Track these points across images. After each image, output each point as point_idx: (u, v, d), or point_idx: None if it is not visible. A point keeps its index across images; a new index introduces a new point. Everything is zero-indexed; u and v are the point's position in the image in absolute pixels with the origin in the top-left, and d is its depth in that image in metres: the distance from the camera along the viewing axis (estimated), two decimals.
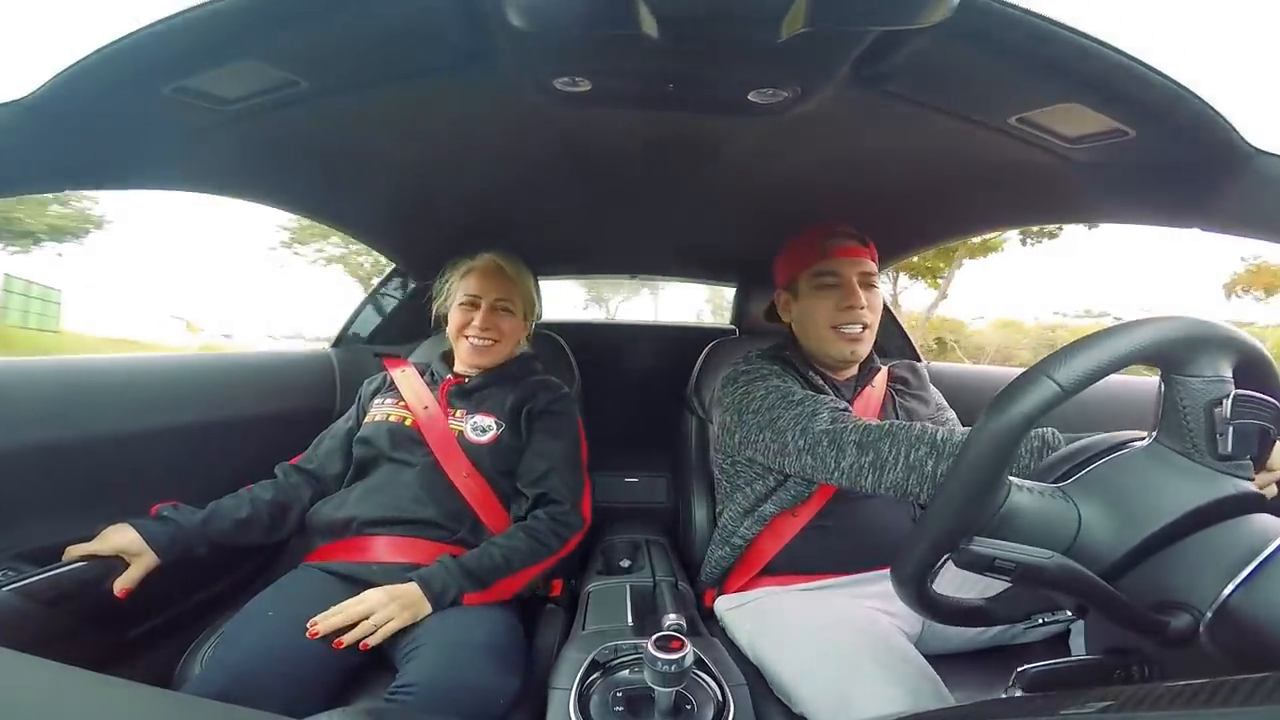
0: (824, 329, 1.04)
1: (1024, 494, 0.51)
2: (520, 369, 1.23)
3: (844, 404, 0.97)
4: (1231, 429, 0.50)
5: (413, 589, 0.86)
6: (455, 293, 1.20)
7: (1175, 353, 0.51)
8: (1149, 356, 0.50)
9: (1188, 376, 0.51)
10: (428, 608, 0.86)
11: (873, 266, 1.06)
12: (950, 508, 0.51)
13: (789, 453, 0.92)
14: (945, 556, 0.51)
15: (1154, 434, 0.54)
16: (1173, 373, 0.52)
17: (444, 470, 1.06)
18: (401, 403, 1.15)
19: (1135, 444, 0.55)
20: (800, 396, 0.96)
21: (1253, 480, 0.52)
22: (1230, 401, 0.50)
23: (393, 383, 1.20)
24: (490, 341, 1.17)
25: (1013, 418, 0.48)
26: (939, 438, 0.78)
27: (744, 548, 1.07)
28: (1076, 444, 0.58)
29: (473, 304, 1.17)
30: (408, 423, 1.12)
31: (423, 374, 1.22)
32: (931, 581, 0.55)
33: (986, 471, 0.49)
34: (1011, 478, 0.51)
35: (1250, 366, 0.54)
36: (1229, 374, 0.52)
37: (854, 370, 1.11)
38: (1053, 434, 0.76)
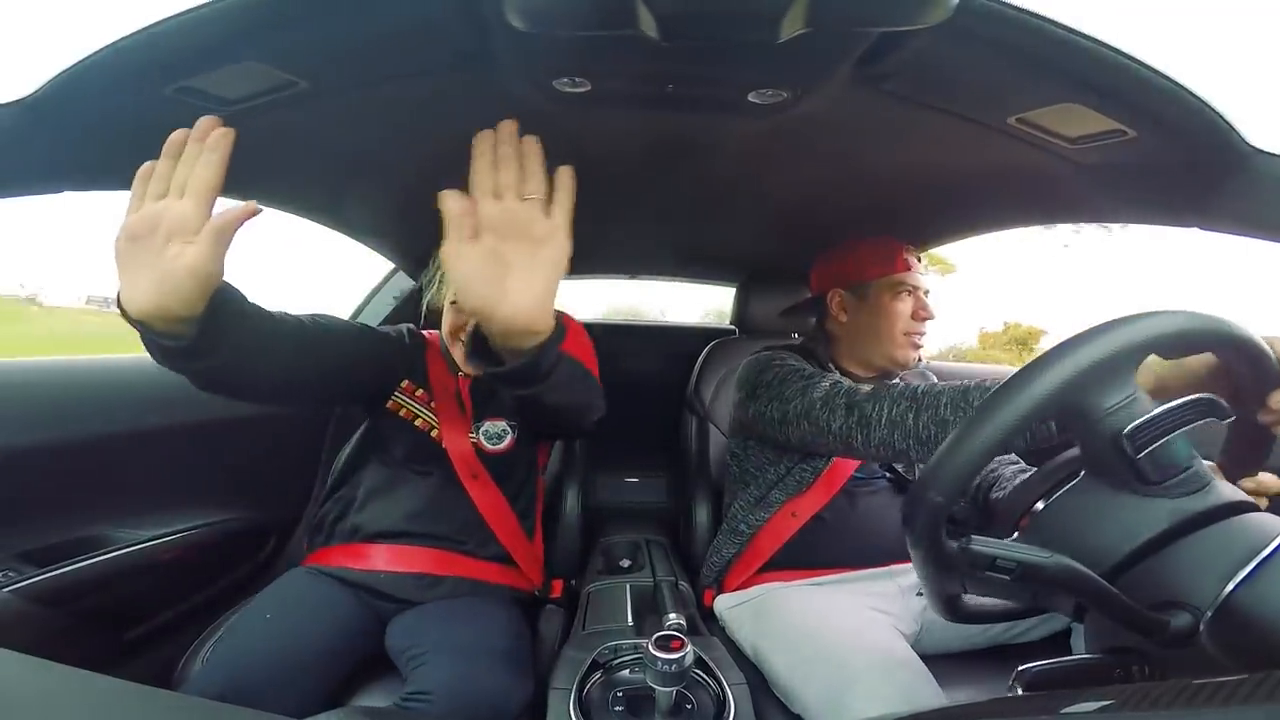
0: (898, 334, 1.07)
1: (980, 548, 0.50)
2: None
3: (846, 381, 0.97)
4: (1147, 457, 0.47)
5: None
6: (449, 284, 1.04)
7: (1061, 403, 0.47)
8: (1036, 421, 0.47)
9: (1083, 418, 0.48)
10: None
11: None
12: (920, 574, 0.53)
13: (790, 420, 0.93)
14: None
15: (1082, 471, 0.52)
16: (1067, 421, 0.49)
17: (460, 482, 1.02)
18: (432, 403, 1.05)
19: (1071, 478, 0.53)
20: (810, 372, 0.99)
21: (1208, 485, 0.49)
22: (1126, 438, 0.46)
23: (425, 366, 1.08)
24: None
25: (917, 541, 0.49)
26: (919, 391, 0.79)
27: (750, 536, 1.08)
28: (1018, 486, 0.57)
29: None
30: (433, 434, 1.03)
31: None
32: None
33: (930, 561, 0.51)
34: (975, 537, 0.49)
35: (1175, 347, 0.49)
36: (1132, 388, 0.48)
37: (874, 375, 1.13)
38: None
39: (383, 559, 0.95)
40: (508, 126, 0.56)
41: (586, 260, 1.87)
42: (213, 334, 0.61)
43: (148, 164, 0.58)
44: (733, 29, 0.56)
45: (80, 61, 0.59)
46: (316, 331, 0.86)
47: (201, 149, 0.56)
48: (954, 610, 0.56)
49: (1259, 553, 0.43)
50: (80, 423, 0.96)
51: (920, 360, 1.73)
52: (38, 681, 0.35)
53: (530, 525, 1.11)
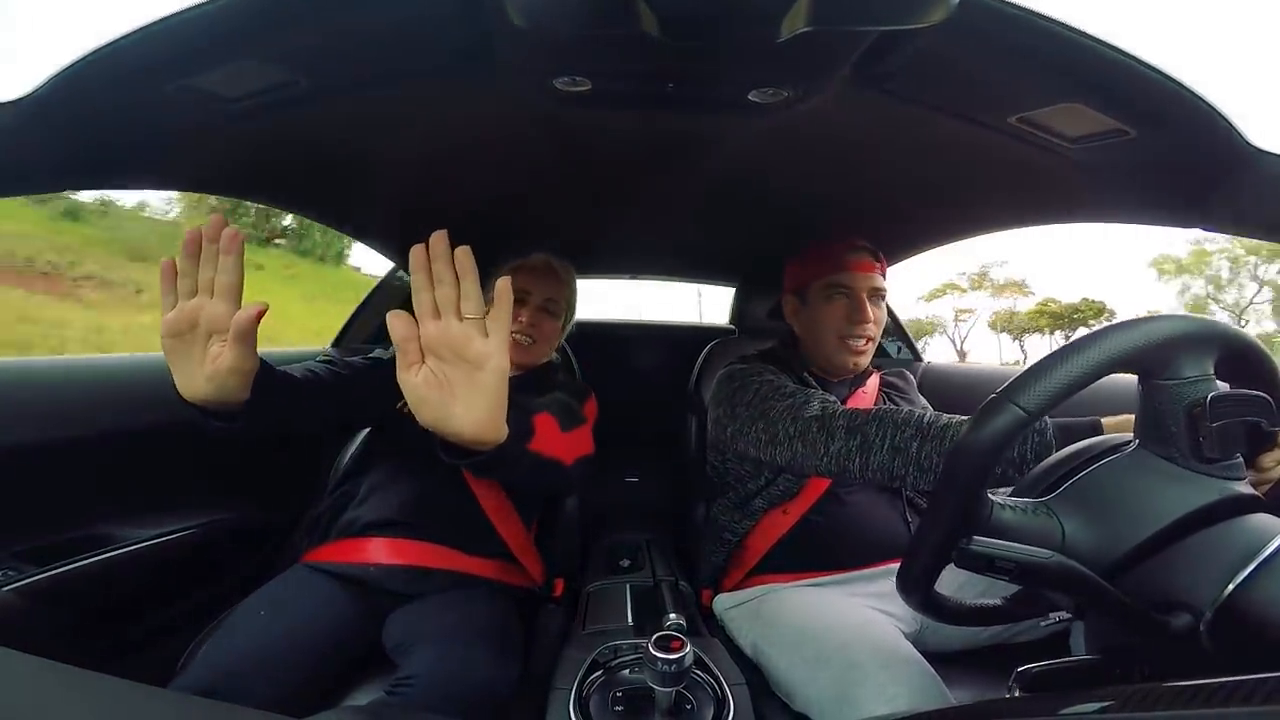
0: (831, 338, 1.06)
1: (1006, 513, 0.51)
2: (547, 377, 1.19)
3: (834, 397, 0.99)
4: (1213, 431, 0.48)
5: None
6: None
7: (1149, 358, 0.50)
8: (1122, 366, 0.49)
9: (1165, 380, 0.50)
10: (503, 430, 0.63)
11: (882, 282, 1.08)
12: (936, 530, 0.51)
13: (779, 441, 0.92)
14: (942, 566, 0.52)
15: (1136, 440, 0.53)
16: (1150, 378, 0.51)
17: (463, 476, 1.02)
18: None
19: (1119, 451, 0.54)
20: (792, 390, 0.98)
21: (1244, 479, 0.51)
22: (1209, 403, 0.49)
23: None
24: (531, 340, 1.13)
25: (978, 448, 0.48)
26: (925, 421, 0.80)
27: (735, 544, 1.08)
28: (1061, 454, 0.57)
29: (519, 300, 1.11)
30: None
31: None
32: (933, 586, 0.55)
33: (961, 499, 0.49)
34: (994, 497, 0.51)
35: (1237, 358, 0.53)
36: (1211, 370, 0.51)
37: (847, 374, 1.13)
38: (1044, 425, 0.76)
39: (375, 552, 0.95)
40: (440, 241, 0.57)
41: (586, 260, 1.87)
42: (258, 412, 0.70)
43: (168, 262, 0.63)
44: (734, 27, 0.56)
45: (80, 59, 0.59)
46: (337, 381, 0.94)
47: (216, 249, 0.63)
48: (925, 602, 0.56)
49: (1259, 553, 0.43)
50: (80, 423, 0.96)
51: (922, 361, 1.74)
52: (38, 680, 0.35)
53: (530, 520, 1.12)
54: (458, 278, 0.57)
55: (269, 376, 0.72)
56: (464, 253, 0.57)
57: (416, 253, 0.57)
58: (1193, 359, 0.50)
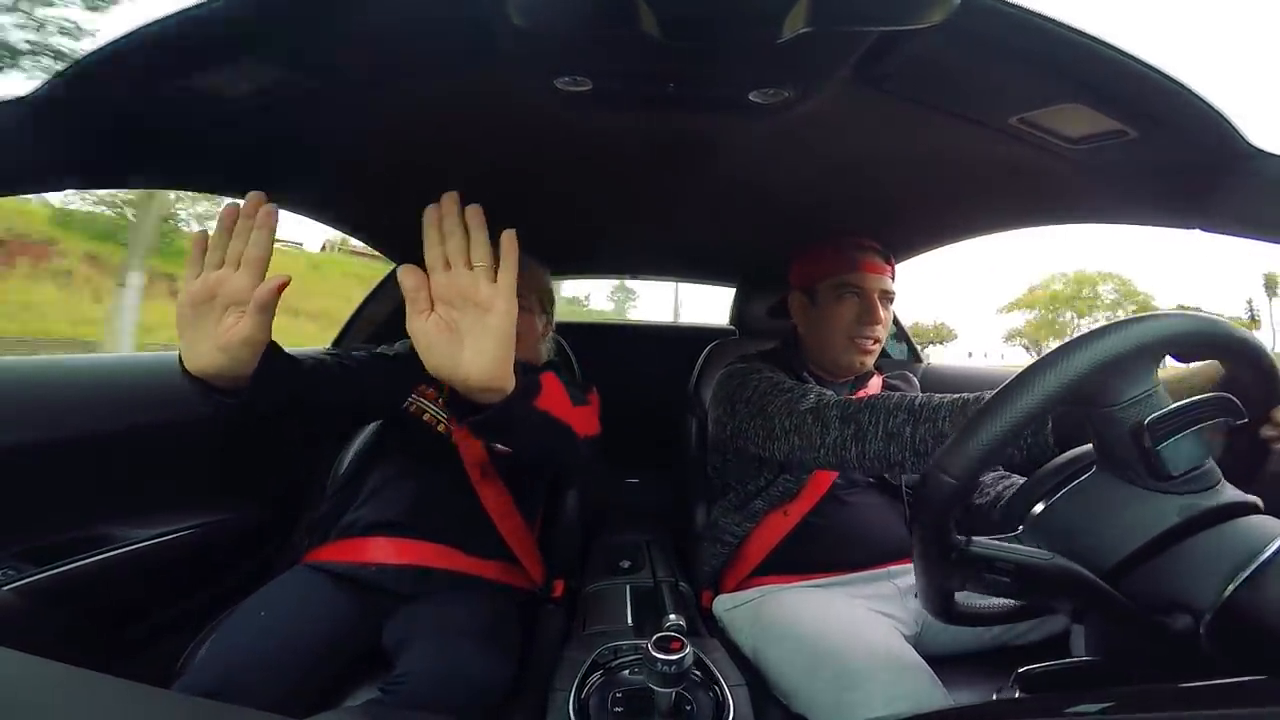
0: (840, 337, 1.05)
1: (975, 550, 0.50)
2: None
3: (831, 392, 0.97)
4: (1165, 449, 0.46)
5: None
6: None
7: (1078, 393, 0.46)
8: (1052, 409, 0.46)
9: (1105, 408, 0.48)
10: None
11: (892, 284, 1.07)
12: (922, 569, 0.52)
13: (777, 435, 0.91)
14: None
15: (1095, 465, 0.52)
16: (1088, 409, 0.49)
17: (468, 476, 1.03)
18: (440, 399, 1.09)
19: (1081, 475, 0.52)
20: (790, 385, 0.97)
21: (1217, 485, 0.49)
22: (1147, 427, 0.46)
23: None
24: None
25: (927, 518, 0.48)
26: (916, 404, 0.78)
27: (735, 545, 1.07)
28: (1031, 479, 0.56)
29: None
30: (439, 428, 1.07)
31: None
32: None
33: (930, 547, 0.49)
34: (961, 539, 0.49)
35: (1192, 345, 0.50)
36: (1155, 380, 0.48)
37: (850, 375, 1.13)
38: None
39: (376, 552, 0.95)
40: (450, 200, 0.60)
41: (586, 260, 1.87)
42: (262, 389, 0.69)
43: (200, 233, 0.64)
44: (734, 28, 0.56)
45: (81, 59, 0.59)
46: (342, 372, 0.93)
47: (250, 225, 0.63)
48: (948, 612, 0.55)
49: (1259, 555, 0.43)
50: (80, 423, 0.96)
51: (923, 360, 1.74)
52: (38, 680, 0.35)
53: (534, 523, 1.12)
54: (468, 232, 0.59)
55: (276, 351, 0.72)
56: (474, 210, 0.60)
57: (429, 211, 0.60)
58: (1128, 378, 0.47)
